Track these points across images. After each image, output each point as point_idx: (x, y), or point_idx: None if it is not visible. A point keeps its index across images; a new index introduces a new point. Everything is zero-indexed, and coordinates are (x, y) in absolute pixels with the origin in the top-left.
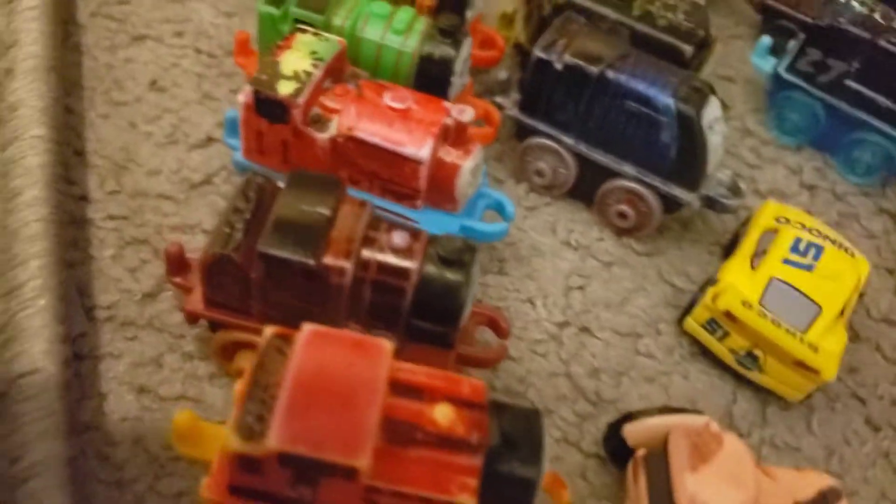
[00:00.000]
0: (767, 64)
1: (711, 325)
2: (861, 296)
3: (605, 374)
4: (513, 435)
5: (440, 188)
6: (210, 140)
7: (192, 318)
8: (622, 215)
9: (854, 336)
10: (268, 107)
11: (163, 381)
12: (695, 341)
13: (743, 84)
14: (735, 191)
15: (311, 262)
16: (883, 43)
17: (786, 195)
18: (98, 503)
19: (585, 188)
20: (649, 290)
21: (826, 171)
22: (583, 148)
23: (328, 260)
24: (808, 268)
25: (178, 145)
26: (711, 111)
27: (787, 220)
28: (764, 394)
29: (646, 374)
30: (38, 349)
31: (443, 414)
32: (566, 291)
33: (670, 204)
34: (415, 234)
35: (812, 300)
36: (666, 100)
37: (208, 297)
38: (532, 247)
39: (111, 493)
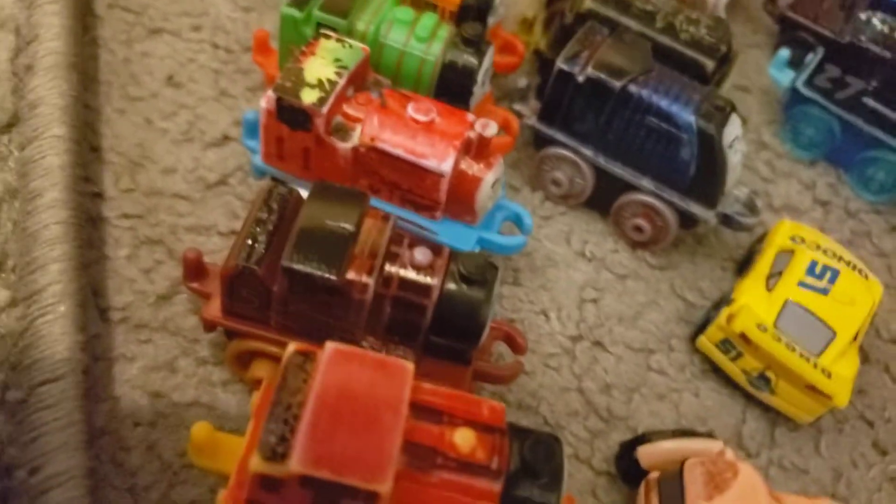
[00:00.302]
0: (785, 77)
1: (725, 345)
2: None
3: (616, 390)
4: (532, 461)
5: (460, 200)
6: (226, 139)
7: (209, 326)
8: (638, 229)
9: (863, 357)
10: (290, 114)
11: (176, 387)
12: (706, 358)
13: (758, 95)
14: (751, 208)
15: (335, 277)
16: None
17: (799, 210)
18: None
19: (602, 199)
20: (662, 304)
21: (839, 188)
22: (601, 160)
23: (351, 275)
24: (824, 291)
25: (193, 143)
26: (732, 130)
27: (803, 241)
28: (773, 414)
29: (657, 390)
30: (58, 357)
31: (463, 438)
32: (580, 304)
33: (687, 219)
34: (437, 250)
35: (827, 325)
36: (688, 117)
37: (227, 306)
38: (547, 257)
39: (124, 499)
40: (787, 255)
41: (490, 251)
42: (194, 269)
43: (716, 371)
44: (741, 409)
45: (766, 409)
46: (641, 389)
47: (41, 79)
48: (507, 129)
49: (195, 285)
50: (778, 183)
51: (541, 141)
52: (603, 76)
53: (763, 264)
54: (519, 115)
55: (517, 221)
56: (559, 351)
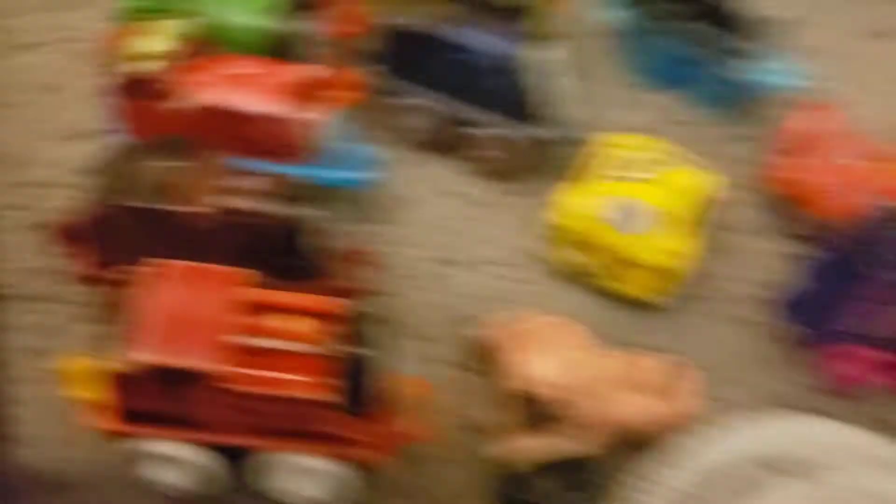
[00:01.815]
0: (608, 13)
1: (562, 246)
2: (717, 211)
3: (480, 303)
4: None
5: (298, 144)
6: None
7: (85, 282)
8: (488, 161)
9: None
10: (128, 87)
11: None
12: (563, 267)
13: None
14: (581, 125)
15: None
16: None
17: (651, 134)
18: None
19: (451, 139)
20: (519, 227)
21: (681, 108)
22: (439, 103)
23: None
24: (648, 180)
25: (73, 141)
26: (550, 52)
27: (629, 143)
28: (628, 303)
29: (513, 298)
30: None
31: (304, 325)
32: (440, 235)
33: (532, 144)
34: (262, 177)
35: (653, 207)
36: (502, 46)
37: (93, 258)
38: (401, 197)
39: None
40: (612, 157)
41: (338, 187)
42: (64, 235)
43: (572, 276)
44: (602, 305)
45: (619, 300)
46: (504, 301)
47: None
48: (352, 86)
49: (66, 249)
50: (621, 111)
51: (386, 93)
52: (413, 24)
53: (589, 167)
54: (364, 73)
55: (363, 159)
56: (421, 274)
